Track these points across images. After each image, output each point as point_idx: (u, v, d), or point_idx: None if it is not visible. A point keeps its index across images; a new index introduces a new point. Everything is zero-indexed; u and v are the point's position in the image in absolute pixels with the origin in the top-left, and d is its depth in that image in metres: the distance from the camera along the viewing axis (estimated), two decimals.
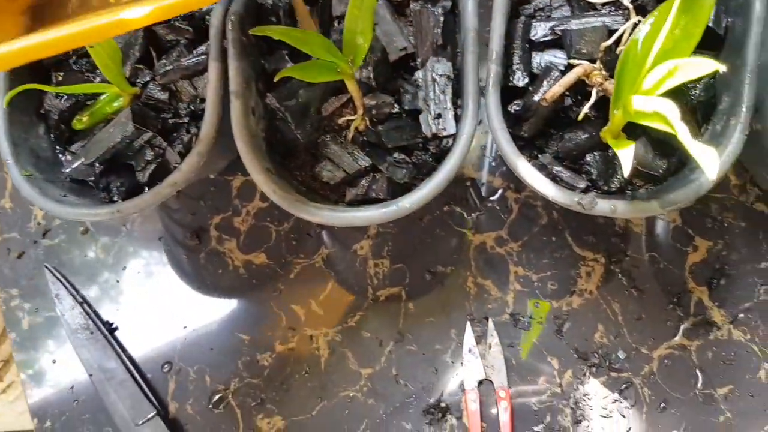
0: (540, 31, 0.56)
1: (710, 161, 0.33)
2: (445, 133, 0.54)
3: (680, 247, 0.64)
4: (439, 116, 0.54)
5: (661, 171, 0.54)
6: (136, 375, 0.66)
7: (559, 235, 0.66)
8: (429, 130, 0.55)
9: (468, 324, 0.64)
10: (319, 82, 0.56)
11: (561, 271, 0.65)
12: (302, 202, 0.53)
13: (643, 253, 0.65)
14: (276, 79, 0.51)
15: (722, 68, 0.36)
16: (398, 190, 0.56)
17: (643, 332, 0.63)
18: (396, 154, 0.55)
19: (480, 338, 0.64)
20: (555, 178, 0.55)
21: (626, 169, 0.42)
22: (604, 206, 0.50)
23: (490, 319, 0.64)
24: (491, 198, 0.68)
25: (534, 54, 0.58)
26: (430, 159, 0.56)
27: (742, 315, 0.62)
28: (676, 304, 0.63)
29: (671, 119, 0.36)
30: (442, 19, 0.57)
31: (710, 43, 0.56)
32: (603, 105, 0.55)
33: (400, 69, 0.59)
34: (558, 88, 0.52)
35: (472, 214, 0.68)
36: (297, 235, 0.69)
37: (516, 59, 0.57)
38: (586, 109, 0.52)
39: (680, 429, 0.60)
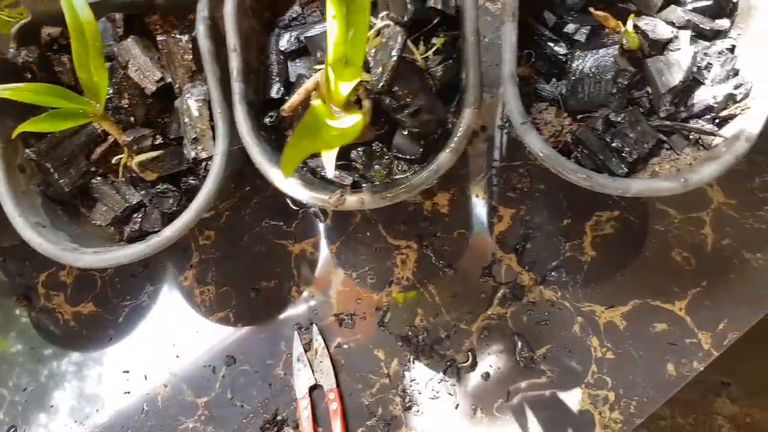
0: (285, 41, 0.58)
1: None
2: (204, 155, 0.55)
3: (486, 220, 0.66)
4: (195, 140, 0.55)
5: (417, 155, 0.55)
6: None
7: (373, 229, 0.67)
8: (189, 154, 0.55)
9: (296, 333, 0.65)
10: (83, 128, 0.57)
11: (378, 264, 0.66)
12: (70, 249, 0.53)
13: (452, 232, 0.66)
14: (13, 136, 0.51)
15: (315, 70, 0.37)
16: (177, 217, 0.56)
17: (460, 308, 0.64)
18: (160, 185, 0.56)
19: (309, 345, 0.65)
20: (324, 179, 0.56)
21: (329, 172, 0.44)
22: (352, 201, 0.51)
23: (314, 325, 0.65)
24: (307, 205, 0.69)
25: (290, 64, 0.59)
26: (200, 182, 0.57)
27: (551, 274, 0.64)
28: (488, 275, 0.64)
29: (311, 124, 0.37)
30: (190, 46, 0.58)
31: (453, 24, 0.58)
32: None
33: (165, 99, 0.59)
34: (296, 97, 0.53)
35: (292, 225, 0.69)
36: (121, 278, 0.69)
37: (273, 72, 0.58)
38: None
39: (505, 397, 0.61)
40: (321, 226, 0.68)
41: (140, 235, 0.56)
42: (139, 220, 0.56)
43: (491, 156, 0.68)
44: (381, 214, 0.68)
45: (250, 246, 0.69)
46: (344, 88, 0.43)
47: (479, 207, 0.67)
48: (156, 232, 0.55)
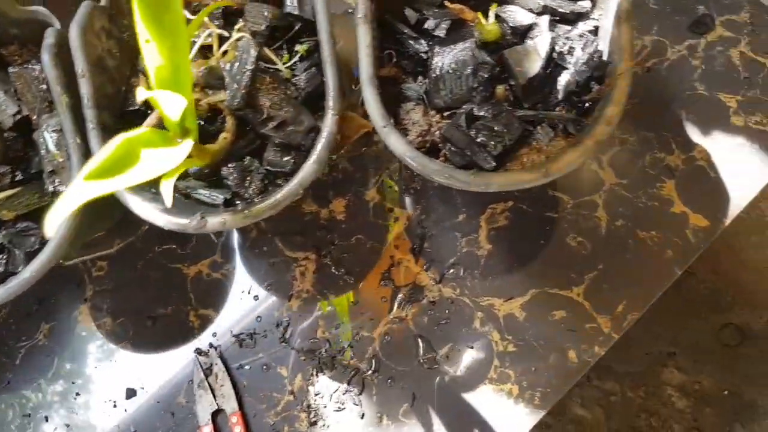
0: None
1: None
2: (63, 189, 0.53)
3: (382, 223, 0.65)
4: (52, 173, 0.53)
5: (288, 168, 0.54)
6: None
7: (270, 243, 0.66)
8: (48, 188, 0.53)
9: (195, 359, 0.63)
10: None
11: (278, 278, 0.65)
12: None
13: (349, 238, 0.65)
14: None
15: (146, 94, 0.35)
16: None
17: (361, 315, 0.63)
18: (19, 224, 0.53)
19: (210, 369, 0.63)
20: (198, 200, 0.54)
21: (167, 202, 0.42)
22: (214, 222, 0.49)
23: (212, 349, 0.63)
24: None
25: None
26: None
27: (449, 272, 0.63)
28: (387, 278, 0.63)
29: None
30: (43, 76, 0.55)
31: (315, 29, 0.56)
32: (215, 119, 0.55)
33: (27, 133, 0.57)
34: (150, 120, 0.51)
35: (186, 247, 0.67)
36: (16, 318, 0.67)
37: (133, 94, 0.56)
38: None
39: (410, 401, 0.60)
40: (216, 245, 0.67)
41: (5, 278, 0.54)
42: (4, 261, 0.53)
43: (385, 157, 0.67)
44: (276, 226, 0.66)
45: (144, 273, 0.67)
46: (173, 115, 0.41)
47: (375, 210, 0.65)
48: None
